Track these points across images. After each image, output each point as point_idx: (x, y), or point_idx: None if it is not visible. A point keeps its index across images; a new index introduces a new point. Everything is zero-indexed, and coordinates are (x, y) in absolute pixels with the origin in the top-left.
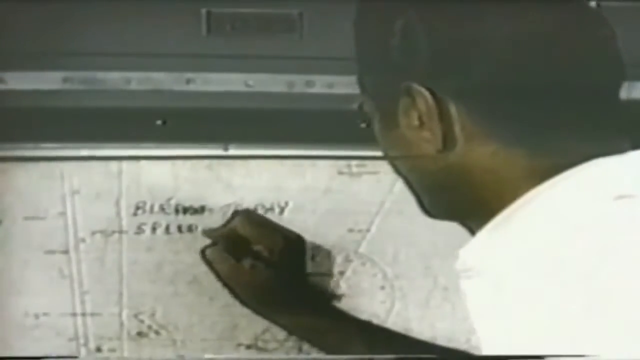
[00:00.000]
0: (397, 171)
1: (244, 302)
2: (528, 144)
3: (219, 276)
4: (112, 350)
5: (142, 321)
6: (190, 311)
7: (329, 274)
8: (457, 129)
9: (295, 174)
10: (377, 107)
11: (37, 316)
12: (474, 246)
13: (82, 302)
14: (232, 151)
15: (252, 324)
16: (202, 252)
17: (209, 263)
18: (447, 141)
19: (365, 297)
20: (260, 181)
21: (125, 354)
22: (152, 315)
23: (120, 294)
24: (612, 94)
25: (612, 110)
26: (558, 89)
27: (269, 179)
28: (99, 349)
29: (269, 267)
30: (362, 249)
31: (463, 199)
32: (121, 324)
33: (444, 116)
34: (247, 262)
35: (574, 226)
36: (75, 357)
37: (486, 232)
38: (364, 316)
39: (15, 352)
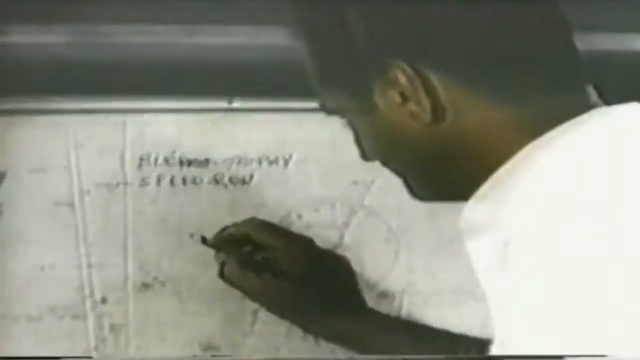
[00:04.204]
0: (384, 161)
1: (278, 314)
2: (516, 101)
3: (245, 293)
4: (118, 301)
5: (147, 272)
6: (195, 263)
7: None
8: (443, 97)
9: (299, 126)
10: (349, 99)
11: (42, 268)
12: (477, 203)
13: (88, 254)
14: (236, 104)
15: None
16: (221, 274)
17: (231, 284)
18: (436, 112)
19: (370, 249)
20: (264, 134)
21: (131, 305)
22: (157, 266)
23: (125, 246)
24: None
25: (571, 65)
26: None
27: (273, 132)
28: (104, 300)
29: (290, 277)
30: (366, 201)
31: (460, 173)
32: (126, 276)
33: (426, 87)
34: (267, 276)
35: (582, 177)
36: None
37: (488, 188)
38: (368, 268)
39: (20, 305)
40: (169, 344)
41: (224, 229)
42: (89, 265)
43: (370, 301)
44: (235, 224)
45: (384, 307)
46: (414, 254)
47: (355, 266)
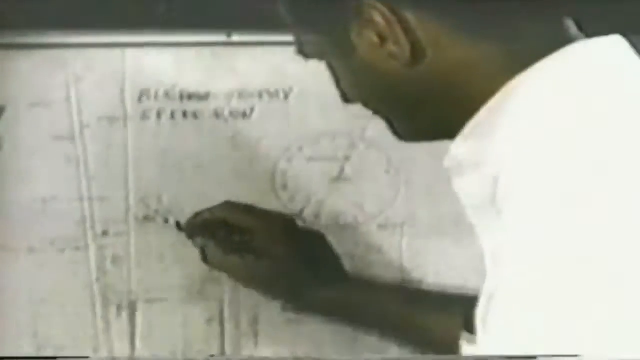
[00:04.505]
0: (365, 103)
1: (264, 293)
2: (497, 35)
3: (230, 276)
4: (119, 234)
5: (148, 206)
6: (196, 196)
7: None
8: (421, 36)
9: (299, 59)
10: (327, 42)
11: (44, 201)
12: (463, 141)
13: (89, 187)
14: (236, 37)
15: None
16: (204, 259)
17: (215, 267)
18: (415, 51)
19: (371, 181)
20: (264, 67)
21: (132, 237)
22: (159, 200)
23: (127, 180)
24: None
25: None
26: None
27: (272, 65)
28: (105, 233)
29: (272, 257)
30: (367, 134)
31: (443, 112)
32: (128, 209)
33: (404, 26)
34: (249, 258)
35: (566, 109)
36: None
37: (474, 126)
38: (368, 201)
39: (21, 237)
40: (170, 275)
41: (197, 215)
42: (90, 198)
43: (371, 234)
44: (210, 209)
45: (385, 240)
46: (415, 186)
47: (356, 199)
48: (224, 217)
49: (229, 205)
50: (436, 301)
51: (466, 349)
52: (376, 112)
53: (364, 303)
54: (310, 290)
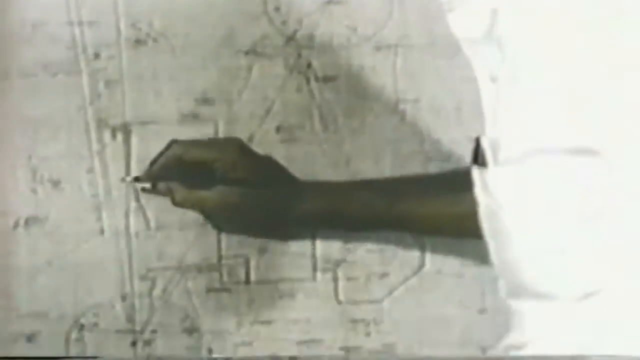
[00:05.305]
0: None
1: (241, 226)
2: None
3: (204, 212)
4: (111, 57)
5: (139, 29)
6: (187, 19)
7: None
8: None
9: None
10: None
11: (34, 25)
12: None
13: (78, 12)
14: None
15: (250, 30)
16: (173, 201)
17: (187, 207)
18: None
19: (363, 3)
20: None
21: (124, 61)
22: (150, 24)
23: (116, 4)
24: None
25: None
26: None
27: None
28: (97, 56)
29: (239, 180)
30: None
31: None
32: (119, 32)
33: None
34: (217, 188)
35: None
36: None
37: None
38: (362, 23)
39: (12, 61)
40: (165, 97)
41: (152, 163)
42: (80, 23)
43: (365, 55)
44: (161, 153)
45: (378, 61)
46: (408, 7)
47: (349, 22)
48: (178, 156)
49: (178, 143)
50: (421, 185)
51: (479, 191)
52: None
53: (342, 206)
54: (285, 209)
